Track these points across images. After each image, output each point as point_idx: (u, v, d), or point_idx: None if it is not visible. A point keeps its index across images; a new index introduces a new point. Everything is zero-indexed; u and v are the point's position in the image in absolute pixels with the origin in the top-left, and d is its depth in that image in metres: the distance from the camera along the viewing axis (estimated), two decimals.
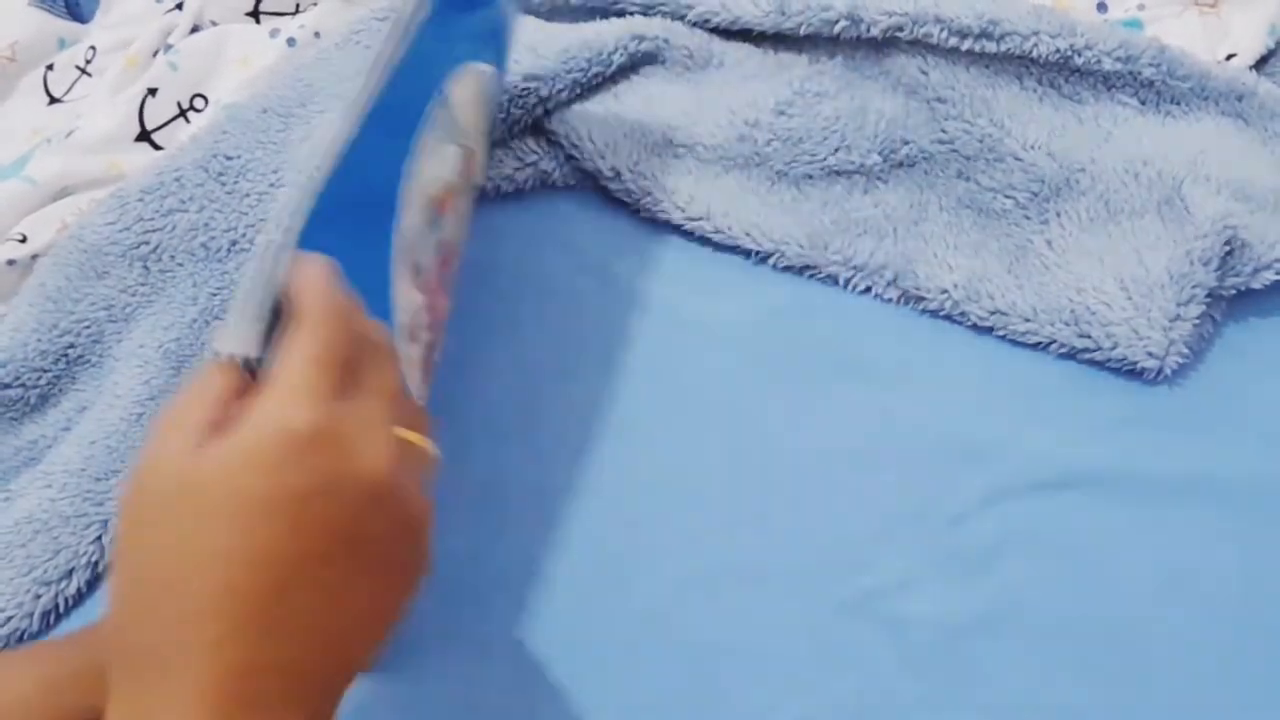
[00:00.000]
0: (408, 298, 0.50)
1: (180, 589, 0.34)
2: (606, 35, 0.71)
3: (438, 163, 0.53)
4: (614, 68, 0.71)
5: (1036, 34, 0.65)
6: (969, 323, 0.64)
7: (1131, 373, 0.61)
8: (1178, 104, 0.66)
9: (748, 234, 0.67)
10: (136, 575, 0.35)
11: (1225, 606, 0.56)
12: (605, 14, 0.74)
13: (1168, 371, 0.61)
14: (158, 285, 0.67)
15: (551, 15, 0.75)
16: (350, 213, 0.45)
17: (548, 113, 0.70)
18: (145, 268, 0.67)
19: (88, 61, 0.78)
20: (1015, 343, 0.63)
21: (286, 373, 0.36)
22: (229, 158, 0.69)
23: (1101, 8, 0.73)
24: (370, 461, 0.36)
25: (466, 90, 0.56)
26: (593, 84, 0.71)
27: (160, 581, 0.34)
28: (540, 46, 0.70)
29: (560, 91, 0.69)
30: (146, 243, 0.67)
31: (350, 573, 0.36)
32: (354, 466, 0.35)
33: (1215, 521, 0.58)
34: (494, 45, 0.60)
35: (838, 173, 0.68)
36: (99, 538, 0.60)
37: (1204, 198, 0.62)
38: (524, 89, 0.68)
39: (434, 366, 0.55)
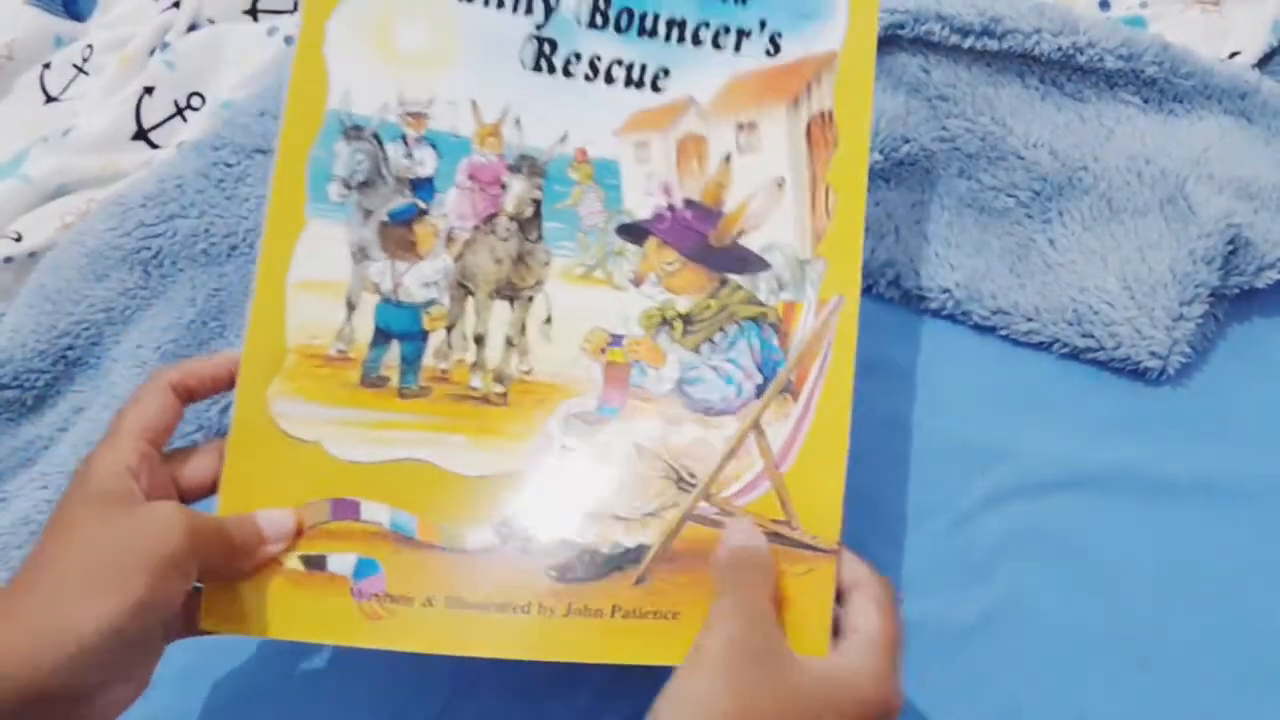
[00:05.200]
0: None
1: None
2: None
3: None
4: None
5: (1039, 32, 0.65)
6: (971, 322, 0.64)
7: (1135, 372, 0.61)
8: (1180, 102, 0.66)
9: None
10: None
11: (1228, 606, 0.56)
12: None
13: (1171, 371, 0.60)
14: (157, 289, 0.67)
15: None
16: None
17: None
18: (145, 272, 0.67)
19: (85, 60, 0.78)
20: (1017, 342, 0.63)
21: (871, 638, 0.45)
22: (229, 165, 0.69)
23: (1104, 5, 0.72)
24: None
25: None
26: None
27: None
28: None
29: None
30: (147, 248, 0.67)
31: None
32: None
33: (1219, 521, 0.58)
34: None
35: None
36: None
37: (1207, 196, 0.62)
38: None
39: None
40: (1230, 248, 0.60)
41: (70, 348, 0.65)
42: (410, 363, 0.51)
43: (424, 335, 0.52)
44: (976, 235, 0.66)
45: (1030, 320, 0.62)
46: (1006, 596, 0.56)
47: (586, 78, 0.55)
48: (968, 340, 0.64)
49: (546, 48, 0.55)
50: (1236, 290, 0.61)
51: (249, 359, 0.50)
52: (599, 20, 0.55)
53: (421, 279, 0.52)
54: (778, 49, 0.55)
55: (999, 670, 0.55)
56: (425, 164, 0.52)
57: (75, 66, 0.78)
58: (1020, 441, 0.60)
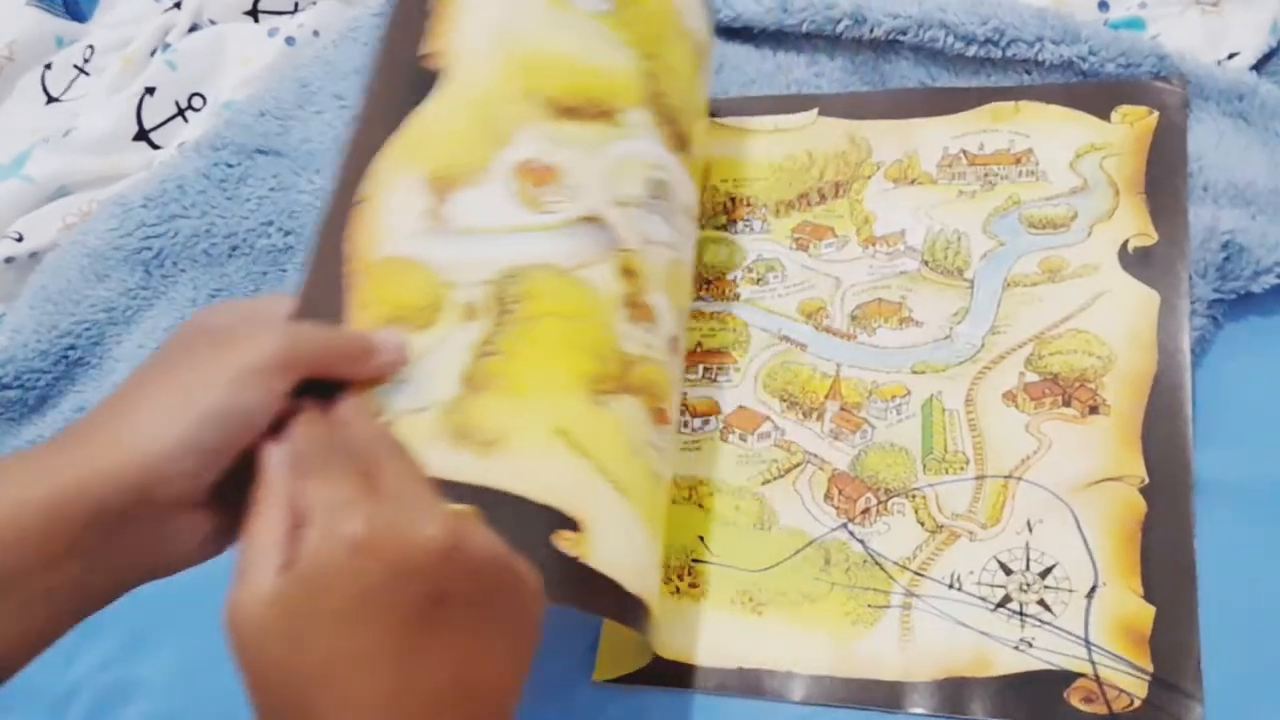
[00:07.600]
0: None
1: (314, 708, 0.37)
2: None
3: None
4: None
5: (1040, 40, 0.65)
6: None
7: None
8: None
9: None
10: (272, 703, 0.38)
11: (1228, 606, 0.56)
12: None
13: None
14: (158, 289, 0.67)
15: None
16: None
17: None
18: (147, 272, 0.67)
19: (86, 61, 0.78)
20: None
21: (323, 503, 0.38)
22: (230, 165, 0.69)
23: (1103, 6, 0.72)
24: (425, 531, 0.37)
25: None
26: None
27: (296, 708, 0.37)
28: None
29: None
30: (148, 248, 0.67)
31: (460, 638, 0.38)
32: (412, 542, 0.37)
33: (1218, 525, 0.58)
34: None
35: None
36: None
37: (1198, 211, 0.61)
38: None
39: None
40: (1224, 254, 0.60)
41: (72, 348, 0.66)
42: None
43: None
44: None
45: None
46: None
47: None
48: None
49: None
50: (1233, 295, 0.61)
51: None
52: None
53: None
54: None
55: None
56: None
57: (76, 67, 0.78)
58: None
